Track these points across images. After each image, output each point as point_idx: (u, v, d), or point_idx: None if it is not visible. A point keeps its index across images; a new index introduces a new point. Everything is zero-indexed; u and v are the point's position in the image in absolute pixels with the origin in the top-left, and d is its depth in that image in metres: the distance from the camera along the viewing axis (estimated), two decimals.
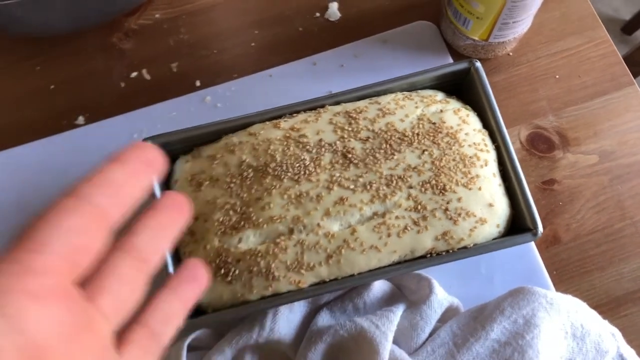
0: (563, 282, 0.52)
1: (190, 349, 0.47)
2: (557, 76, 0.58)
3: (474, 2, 0.49)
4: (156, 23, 0.62)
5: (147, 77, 0.60)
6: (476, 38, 0.54)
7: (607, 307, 0.52)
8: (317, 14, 0.62)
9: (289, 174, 0.45)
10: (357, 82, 0.50)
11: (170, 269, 0.44)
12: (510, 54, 0.59)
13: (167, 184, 0.48)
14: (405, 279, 0.50)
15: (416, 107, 0.47)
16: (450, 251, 0.45)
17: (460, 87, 0.51)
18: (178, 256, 0.46)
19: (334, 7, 0.61)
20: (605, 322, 0.47)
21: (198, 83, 0.60)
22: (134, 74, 0.60)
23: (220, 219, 0.45)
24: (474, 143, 0.46)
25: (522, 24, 0.53)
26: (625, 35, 1.60)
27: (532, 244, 0.52)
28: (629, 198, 0.54)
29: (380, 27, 0.60)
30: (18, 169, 0.56)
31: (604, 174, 0.55)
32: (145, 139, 0.47)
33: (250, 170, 0.46)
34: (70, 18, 0.54)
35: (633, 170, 0.55)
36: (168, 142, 0.48)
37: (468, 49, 0.57)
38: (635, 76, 0.58)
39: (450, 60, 0.58)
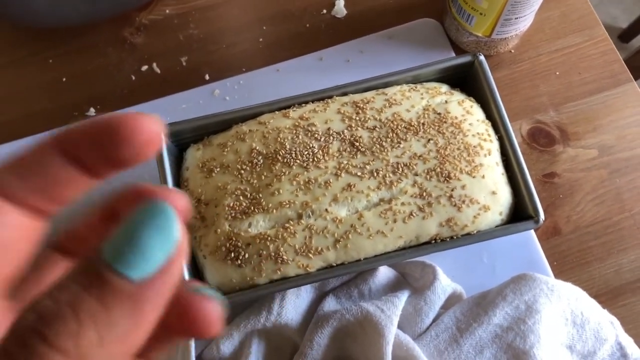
0: (563, 272, 0.54)
1: None
2: (558, 73, 0.60)
3: None
4: (166, 18, 0.63)
5: (158, 70, 0.62)
6: (479, 34, 0.56)
7: (606, 297, 0.53)
8: (324, 11, 0.63)
9: (298, 161, 0.46)
10: (362, 76, 0.51)
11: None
12: (512, 51, 0.61)
13: (178, 171, 0.50)
14: (410, 267, 0.51)
15: (422, 98, 0.49)
16: (454, 237, 0.46)
17: (464, 81, 0.52)
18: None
19: (340, 4, 0.63)
20: (605, 311, 0.48)
21: (207, 77, 0.61)
22: (145, 68, 0.62)
23: (231, 204, 0.46)
24: (478, 133, 0.47)
25: (524, 21, 0.54)
26: (623, 43, 1.62)
27: (533, 234, 0.53)
28: (627, 191, 0.56)
29: (385, 24, 0.61)
30: None
31: (603, 168, 0.56)
32: None
33: (260, 158, 0.47)
34: (84, 10, 0.55)
35: (631, 164, 0.56)
36: (179, 130, 0.49)
37: (471, 46, 0.59)
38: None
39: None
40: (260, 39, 0.63)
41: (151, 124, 0.17)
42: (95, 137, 0.17)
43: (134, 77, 0.61)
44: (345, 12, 0.63)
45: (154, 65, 0.62)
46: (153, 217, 0.15)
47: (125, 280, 0.14)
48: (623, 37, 1.61)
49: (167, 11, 0.64)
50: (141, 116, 0.17)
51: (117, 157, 0.17)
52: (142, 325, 0.15)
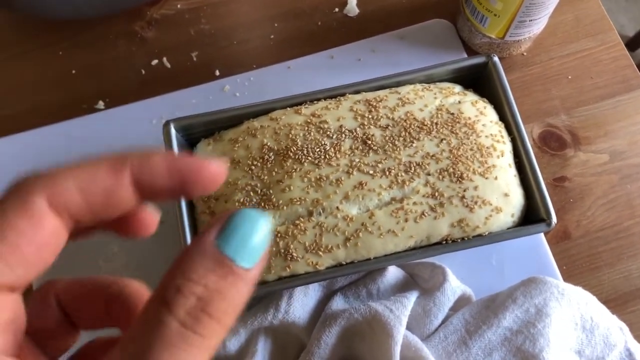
0: (572, 277, 0.53)
1: None
2: (570, 77, 0.59)
3: None
4: (178, 13, 0.63)
5: (168, 65, 0.61)
6: (492, 36, 0.56)
7: (615, 303, 0.52)
8: (336, 9, 0.63)
9: (310, 158, 0.46)
10: (373, 76, 0.51)
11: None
12: (525, 53, 0.60)
13: None
14: (419, 268, 0.50)
15: (435, 98, 0.48)
16: (466, 238, 0.45)
17: (477, 82, 0.52)
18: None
19: (352, 2, 0.62)
20: (614, 316, 0.48)
21: (217, 72, 0.61)
22: (155, 62, 0.61)
23: (241, 200, 0.45)
24: (491, 134, 0.47)
25: (538, 23, 0.54)
26: (630, 52, 1.62)
27: (543, 237, 0.53)
28: (638, 197, 0.55)
29: (397, 24, 0.61)
30: (38, 150, 0.57)
31: (614, 173, 0.56)
32: (168, 121, 0.48)
33: (271, 154, 0.47)
34: (96, 3, 0.55)
35: None
36: (190, 125, 0.49)
37: (484, 47, 0.59)
38: None
39: None
40: (272, 36, 0.62)
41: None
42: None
43: (143, 71, 0.61)
44: (357, 11, 0.63)
45: (164, 59, 0.61)
46: (257, 224, 0.19)
47: (243, 269, 0.19)
48: (630, 45, 1.61)
49: (179, 6, 0.63)
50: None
51: None
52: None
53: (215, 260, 0.18)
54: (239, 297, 0.19)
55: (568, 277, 0.53)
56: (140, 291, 0.25)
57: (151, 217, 0.23)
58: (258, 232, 0.19)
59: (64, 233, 0.19)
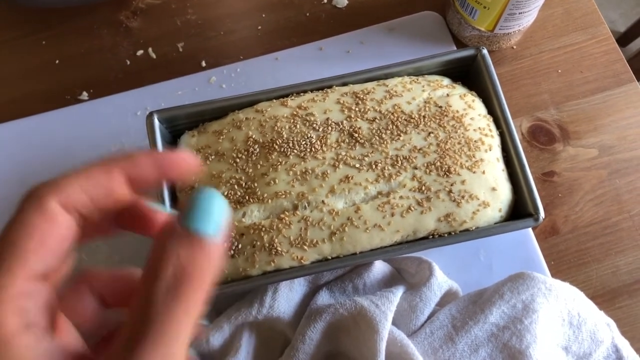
0: (560, 272, 0.53)
1: None
2: (560, 71, 0.59)
3: None
4: (164, 3, 0.62)
5: (153, 55, 0.60)
6: (482, 28, 0.55)
7: (602, 299, 0.52)
8: (325, 1, 0.62)
9: (295, 151, 0.45)
10: (362, 68, 0.50)
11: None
12: (514, 47, 0.60)
13: None
14: (406, 263, 0.50)
15: (423, 91, 0.48)
16: (453, 233, 0.45)
17: (466, 75, 0.51)
18: None
19: None
20: (601, 312, 0.48)
21: (204, 63, 0.60)
22: (140, 52, 0.60)
23: (225, 193, 0.45)
24: (479, 128, 0.46)
25: (528, 16, 0.53)
26: (621, 47, 1.62)
27: (531, 233, 0.53)
28: (626, 192, 0.55)
29: (386, 16, 0.60)
30: (20, 141, 0.56)
31: (603, 168, 0.56)
32: (152, 112, 0.47)
33: (256, 146, 0.46)
34: None
35: (631, 165, 0.55)
36: (174, 116, 0.48)
37: (473, 40, 0.58)
38: None
39: None
40: (259, 27, 0.61)
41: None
42: None
43: (128, 62, 0.60)
44: (346, 2, 0.62)
45: (150, 50, 0.60)
46: (210, 198, 0.23)
47: (208, 237, 0.22)
48: (621, 41, 1.61)
49: None
50: None
51: None
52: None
53: (183, 234, 0.22)
54: (210, 262, 0.22)
55: (556, 272, 0.53)
56: None
57: (160, 215, 0.27)
58: (215, 204, 0.23)
59: (76, 227, 0.23)
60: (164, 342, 0.20)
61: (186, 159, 0.25)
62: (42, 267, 0.22)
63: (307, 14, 0.62)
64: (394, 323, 0.47)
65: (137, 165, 0.24)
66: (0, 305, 0.20)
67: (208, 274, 0.22)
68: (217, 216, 0.22)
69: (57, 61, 0.60)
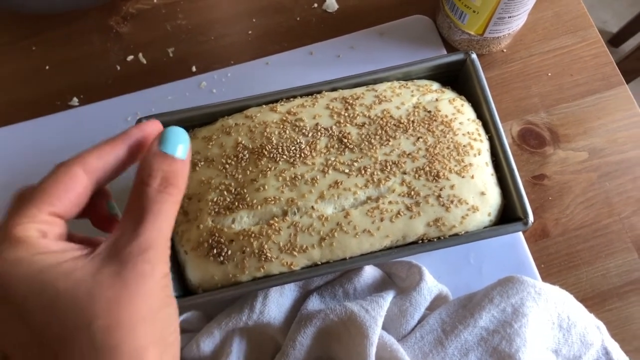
0: (550, 275, 0.53)
1: (180, 331, 0.47)
2: (550, 74, 0.59)
3: None
4: (154, 8, 0.62)
5: (143, 61, 0.60)
6: (472, 32, 0.55)
7: (592, 301, 0.52)
8: (315, 5, 0.62)
9: (285, 157, 0.45)
10: (353, 72, 0.50)
11: None
12: (504, 50, 0.60)
13: None
14: (396, 267, 0.50)
15: (412, 96, 0.48)
16: (442, 238, 0.45)
17: (455, 79, 0.51)
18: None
19: None
20: (591, 315, 0.48)
21: (194, 68, 0.60)
22: (130, 58, 0.60)
23: (215, 199, 0.45)
24: (468, 132, 0.47)
25: (518, 20, 0.53)
26: (613, 48, 1.63)
27: (521, 236, 0.53)
28: (616, 195, 0.55)
29: (377, 20, 0.60)
30: (10, 147, 0.56)
31: (593, 171, 0.56)
32: (140, 119, 0.47)
33: (245, 152, 0.46)
34: None
35: (621, 168, 0.56)
36: (164, 122, 0.47)
37: (463, 44, 0.58)
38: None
39: None
40: (250, 32, 0.61)
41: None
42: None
43: (119, 67, 0.60)
44: (336, 6, 0.62)
45: (140, 55, 0.60)
46: (173, 131, 0.33)
47: (179, 159, 0.32)
48: (613, 41, 1.61)
49: (155, 0, 0.62)
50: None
51: None
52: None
53: (163, 156, 0.32)
54: (182, 175, 0.32)
55: (546, 275, 0.53)
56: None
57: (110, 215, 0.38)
58: (180, 137, 0.33)
59: (91, 187, 0.32)
60: (159, 221, 0.30)
61: (150, 126, 0.35)
62: (61, 210, 0.30)
63: (298, 19, 0.62)
64: (384, 327, 0.47)
65: (132, 136, 0.34)
66: (26, 224, 0.28)
67: (182, 180, 0.32)
68: (183, 144, 0.33)
69: (47, 67, 0.60)
